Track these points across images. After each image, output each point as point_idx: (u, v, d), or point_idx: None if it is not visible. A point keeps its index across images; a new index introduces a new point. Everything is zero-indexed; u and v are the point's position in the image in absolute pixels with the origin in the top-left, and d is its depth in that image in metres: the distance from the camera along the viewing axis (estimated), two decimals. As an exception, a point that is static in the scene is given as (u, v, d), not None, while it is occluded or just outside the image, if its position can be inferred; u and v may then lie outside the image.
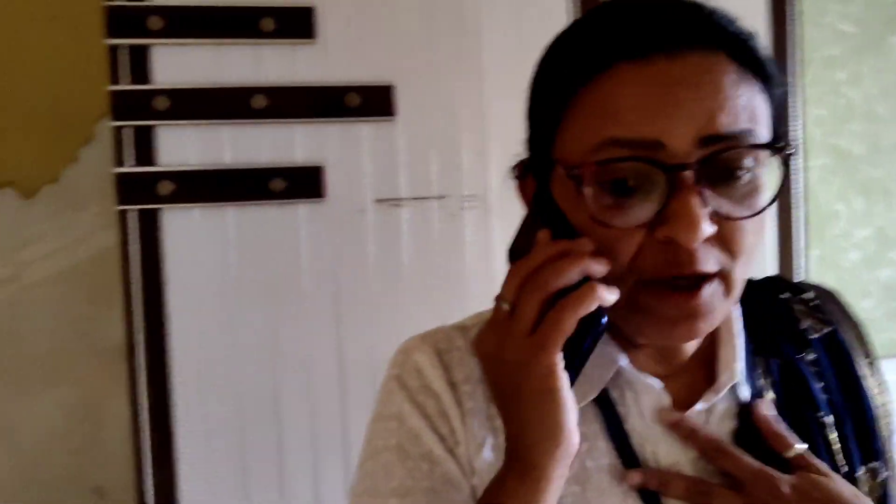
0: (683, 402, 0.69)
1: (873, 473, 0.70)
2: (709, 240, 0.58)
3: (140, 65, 1.54)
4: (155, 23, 1.53)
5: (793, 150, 0.60)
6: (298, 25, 1.58)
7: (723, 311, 0.63)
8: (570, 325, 0.57)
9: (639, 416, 0.69)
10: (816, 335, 0.74)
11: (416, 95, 1.62)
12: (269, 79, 1.57)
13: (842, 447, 0.70)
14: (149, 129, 1.54)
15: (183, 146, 1.55)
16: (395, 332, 1.50)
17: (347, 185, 1.61)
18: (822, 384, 0.72)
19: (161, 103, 1.53)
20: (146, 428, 1.52)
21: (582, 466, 0.68)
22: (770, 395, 0.71)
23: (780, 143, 0.61)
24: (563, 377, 0.59)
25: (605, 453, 0.69)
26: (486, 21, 1.64)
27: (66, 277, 1.55)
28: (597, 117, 0.59)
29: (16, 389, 1.54)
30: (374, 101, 1.59)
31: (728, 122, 0.58)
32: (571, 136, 0.61)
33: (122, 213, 1.53)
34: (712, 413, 0.70)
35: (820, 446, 0.69)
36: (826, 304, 0.77)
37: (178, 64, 1.54)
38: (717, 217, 0.59)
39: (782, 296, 0.77)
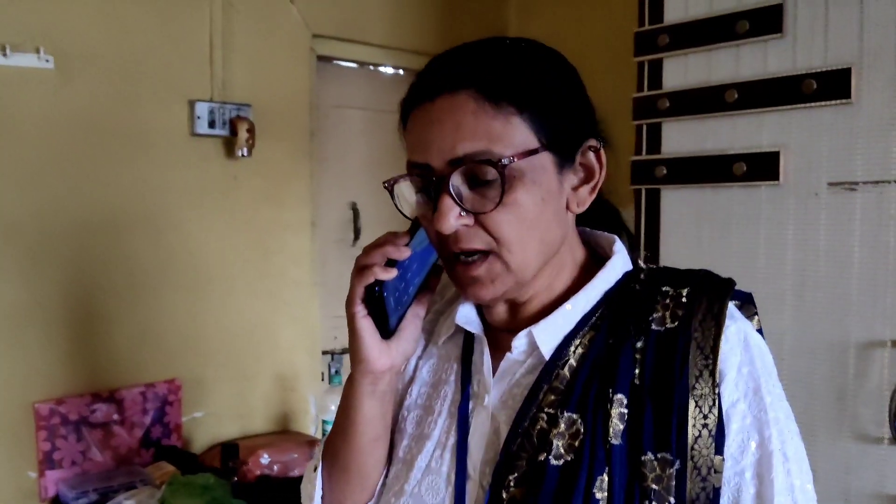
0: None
1: (664, 463, 0.75)
2: (474, 226, 0.79)
3: (656, 75, 1.95)
4: (663, 40, 1.91)
5: (507, 163, 0.77)
6: (769, 23, 1.72)
7: (506, 282, 0.82)
8: (357, 290, 0.84)
9: (479, 356, 0.91)
10: (659, 327, 0.80)
11: (875, 77, 1.57)
12: (743, 74, 1.77)
13: (629, 426, 0.77)
14: (657, 125, 1.94)
15: (677, 138, 1.90)
16: (839, 318, 1.55)
17: (804, 168, 1.68)
18: (638, 370, 0.79)
19: (663, 104, 1.91)
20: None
21: (435, 394, 0.93)
22: (571, 362, 0.83)
23: (495, 159, 0.77)
24: (363, 322, 0.85)
25: (452, 384, 0.93)
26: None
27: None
28: (407, 147, 0.84)
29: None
30: (832, 86, 1.62)
31: (464, 146, 0.77)
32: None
33: (637, 192, 1.99)
34: (523, 364, 0.87)
35: (597, 414, 0.78)
36: (696, 303, 0.81)
37: (677, 71, 1.89)
38: (468, 211, 0.79)
39: (663, 287, 0.84)
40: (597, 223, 0.96)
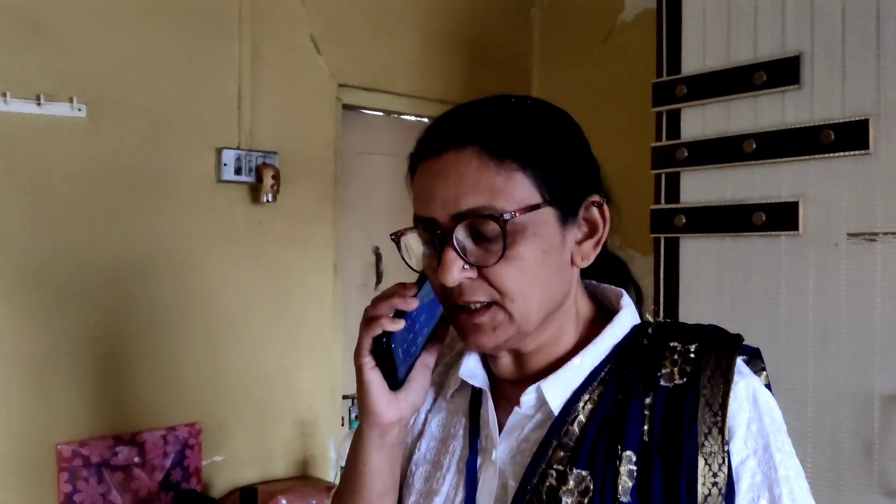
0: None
1: None
2: (477, 279, 0.81)
3: (674, 125, 1.96)
4: (681, 90, 1.93)
5: (509, 217, 0.78)
6: (786, 74, 1.73)
7: (509, 329, 0.82)
8: (365, 341, 0.83)
9: (486, 410, 0.90)
10: (667, 383, 0.80)
11: (893, 127, 1.57)
12: (761, 125, 1.78)
13: (639, 483, 0.77)
14: (675, 175, 1.95)
15: (696, 187, 1.91)
16: (862, 369, 1.53)
17: (823, 218, 1.67)
18: (647, 427, 0.78)
19: (681, 154, 1.92)
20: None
21: (444, 449, 0.93)
22: (580, 418, 0.82)
23: (497, 214, 0.78)
24: (371, 373, 0.84)
25: (461, 439, 0.92)
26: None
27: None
28: (413, 200, 0.86)
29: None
30: (850, 136, 1.62)
31: (466, 201, 0.79)
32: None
33: (656, 240, 1.99)
34: (532, 419, 0.86)
35: (606, 471, 0.78)
36: (705, 360, 0.81)
37: (696, 121, 1.91)
38: (471, 265, 0.80)
39: (671, 342, 0.84)
40: (604, 276, 0.96)
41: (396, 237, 0.88)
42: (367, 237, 2.94)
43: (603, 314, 0.92)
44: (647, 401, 0.80)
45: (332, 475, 2.72)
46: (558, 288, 0.85)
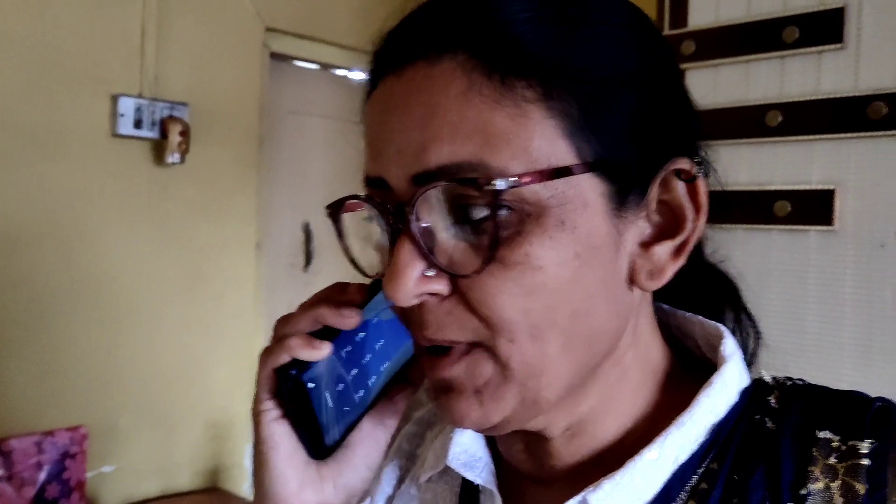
0: None
1: None
2: (454, 299, 0.48)
3: None
4: (688, 47, 1.60)
5: (505, 187, 0.44)
6: (825, 30, 1.41)
7: (505, 399, 0.49)
8: (265, 375, 0.54)
9: None
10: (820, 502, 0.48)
11: (966, 101, 1.26)
12: (789, 93, 1.46)
13: None
14: None
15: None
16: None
17: (866, 212, 1.37)
18: None
19: None
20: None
21: None
22: None
23: (490, 179, 0.45)
24: (274, 428, 0.54)
25: None
26: None
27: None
28: (365, 151, 0.53)
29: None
30: (907, 111, 1.31)
31: (439, 152, 0.46)
32: None
33: None
34: None
35: None
36: (891, 472, 0.47)
37: (705, 85, 1.58)
38: (441, 270, 0.47)
39: (820, 432, 0.50)
40: (686, 299, 0.60)
41: (333, 212, 0.53)
42: (296, 210, 2.66)
43: (686, 367, 0.58)
44: None
45: (245, 487, 2.41)
46: (605, 324, 0.50)
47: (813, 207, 1.42)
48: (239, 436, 2.44)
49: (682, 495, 0.51)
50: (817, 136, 1.43)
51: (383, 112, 0.49)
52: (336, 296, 0.54)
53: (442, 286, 0.47)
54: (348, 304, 0.53)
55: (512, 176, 0.45)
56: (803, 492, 0.48)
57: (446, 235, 0.47)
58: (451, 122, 0.46)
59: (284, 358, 0.52)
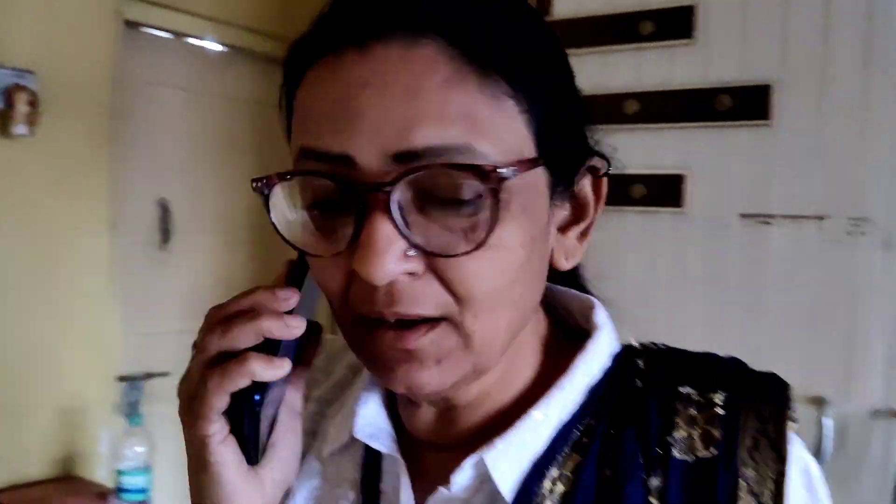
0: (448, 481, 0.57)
1: None
2: (427, 276, 0.49)
3: None
4: None
5: (509, 174, 0.47)
6: (677, 26, 1.52)
7: (461, 366, 0.52)
8: (216, 399, 0.52)
9: (393, 488, 0.59)
10: (685, 456, 0.53)
11: (797, 97, 1.39)
12: (645, 84, 1.56)
13: None
14: None
15: None
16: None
17: (712, 195, 1.49)
18: None
19: None
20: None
21: None
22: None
23: (488, 168, 0.47)
24: (221, 452, 0.54)
25: None
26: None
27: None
28: (298, 124, 0.52)
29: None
30: (749, 104, 1.43)
31: (428, 134, 0.47)
32: (291, 149, 0.55)
33: None
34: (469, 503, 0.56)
35: None
36: (739, 417, 0.54)
37: None
38: (422, 251, 0.49)
39: (680, 387, 0.56)
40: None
41: (265, 186, 0.52)
42: (152, 187, 2.51)
43: (564, 335, 0.62)
44: (654, 482, 0.53)
45: (101, 474, 2.30)
46: (535, 299, 0.56)
47: (665, 191, 1.53)
48: (92, 422, 2.31)
49: (566, 449, 0.55)
50: (670, 125, 1.53)
51: (347, 87, 0.48)
52: (271, 298, 0.54)
53: (417, 265, 0.49)
54: (288, 305, 0.54)
55: (506, 165, 0.47)
56: (668, 439, 0.53)
57: (419, 216, 0.49)
58: (437, 103, 0.47)
59: (244, 382, 0.52)
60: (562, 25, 1.66)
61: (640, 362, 0.59)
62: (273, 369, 0.52)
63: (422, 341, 0.50)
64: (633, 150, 1.58)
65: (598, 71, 1.62)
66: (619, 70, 1.59)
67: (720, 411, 0.54)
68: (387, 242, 0.47)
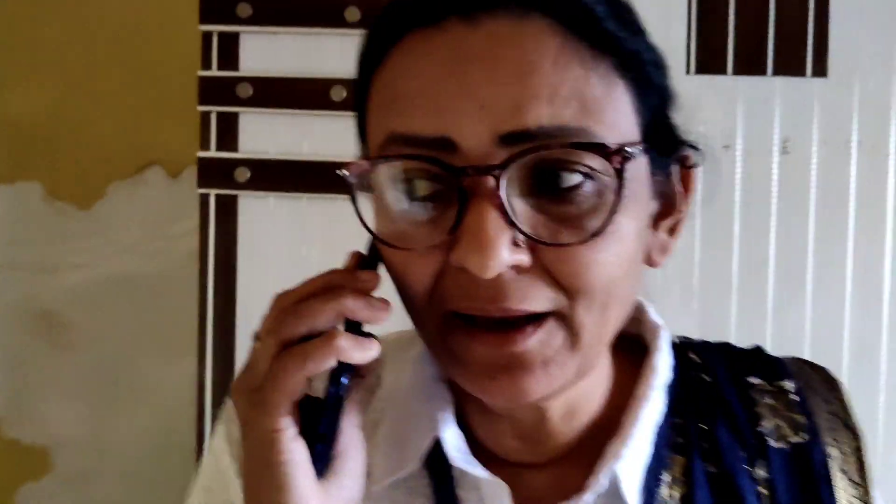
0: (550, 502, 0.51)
1: None
2: (534, 269, 0.44)
3: (229, 51, 1.40)
4: (244, 10, 1.39)
5: (634, 155, 0.44)
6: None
7: (567, 368, 0.47)
8: (293, 383, 0.44)
9: None
10: (781, 444, 0.54)
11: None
12: (352, 70, 1.52)
13: None
14: (233, 115, 1.41)
15: (260, 134, 1.43)
16: None
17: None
18: None
19: (244, 90, 1.41)
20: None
21: None
22: None
23: (614, 146, 0.43)
24: (293, 450, 0.45)
25: None
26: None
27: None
28: (384, 106, 0.46)
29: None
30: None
31: (541, 114, 0.42)
32: (370, 134, 0.49)
33: (204, 197, 1.39)
34: None
35: None
36: (812, 401, 0.56)
37: (263, 51, 1.42)
38: (534, 241, 0.44)
39: (749, 378, 0.57)
40: None
41: (361, 176, 0.48)
42: None
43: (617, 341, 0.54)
44: (761, 472, 0.53)
45: None
46: (634, 296, 0.53)
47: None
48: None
49: (667, 451, 0.54)
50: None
51: (451, 63, 0.43)
52: (353, 279, 0.47)
53: (525, 256, 0.44)
54: (374, 286, 0.47)
55: (629, 145, 0.44)
56: (759, 429, 0.54)
57: (526, 203, 0.44)
58: (550, 82, 0.43)
59: (328, 362, 0.45)
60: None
61: (694, 356, 0.58)
62: (362, 350, 0.45)
63: (530, 342, 0.45)
64: (344, 137, 1.49)
65: (300, 53, 1.44)
66: (322, 54, 1.47)
67: (794, 398, 0.55)
68: (498, 231, 0.42)
